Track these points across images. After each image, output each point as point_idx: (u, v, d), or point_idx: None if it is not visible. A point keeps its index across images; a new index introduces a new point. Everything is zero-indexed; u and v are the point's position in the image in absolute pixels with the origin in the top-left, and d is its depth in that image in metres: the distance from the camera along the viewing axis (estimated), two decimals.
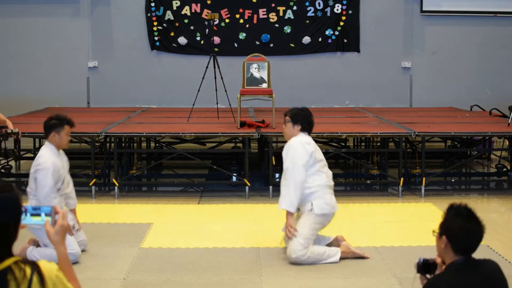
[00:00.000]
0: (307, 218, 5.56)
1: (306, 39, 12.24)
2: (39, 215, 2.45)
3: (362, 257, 5.68)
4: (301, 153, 5.54)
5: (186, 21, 12.16)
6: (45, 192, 5.37)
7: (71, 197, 5.74)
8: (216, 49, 10.53)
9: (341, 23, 12.28)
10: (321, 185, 5.60)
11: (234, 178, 8.63)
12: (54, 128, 5.53)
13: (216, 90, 9.34)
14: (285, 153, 5.64)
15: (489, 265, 2.98)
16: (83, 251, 5.68)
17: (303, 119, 5.73)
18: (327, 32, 12.29)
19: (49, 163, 5.40)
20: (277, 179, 8.56)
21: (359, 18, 12.28)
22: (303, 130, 5.72)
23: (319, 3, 12.21)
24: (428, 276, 3.08)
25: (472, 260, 2.95)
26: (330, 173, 5.76)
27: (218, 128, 8.66)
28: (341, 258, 5.60)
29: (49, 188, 5.37)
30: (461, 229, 2.92)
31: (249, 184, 8.12)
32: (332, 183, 5.75)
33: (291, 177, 5.53)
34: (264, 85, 8.54)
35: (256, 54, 8.94)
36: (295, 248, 5.48)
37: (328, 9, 12.24)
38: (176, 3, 12.13)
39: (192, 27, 12.17)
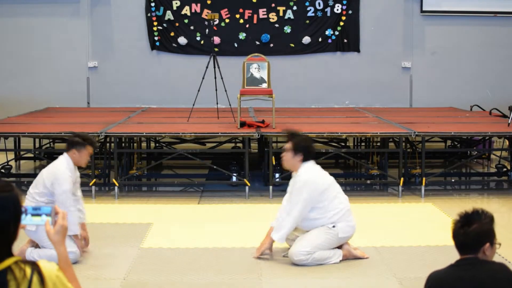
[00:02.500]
0: (327, 232, 5.51)
1: (306, 39, 12.24)
2: (39, 215, 2.45)
3: (362, 258, 5.68)
4: (313, 193, 5.45)
5: (186, 21, 12.16)
6: (64, 197, 5.42)
7: (81, 211, 5.77)
8: (216, 49, 10.53)
9: (341, 23, 12.28)
10: (345, 209, 5.58)
11: (234, 178, 8.62)
12: (76, 146, 5.58)
13: (216, 90, 9.34)
14: (298, 188, 5.49)
15: (496, 265, 3.10)
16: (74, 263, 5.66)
17: (305, 149, 5.56)
18: (327, 32, 12.28)
19: (65, 174, 5.47)
20: (277, 179, 8.56)
21: (359, 18, 12.28)
22: (304, 160, 5.56)
23: (319, 3, 12.20)
24: None
25: (477, 259, 3.06)
26: (345, 196, 5.74)
27: (218, 128, 8.66)
28: (341, 260, 5.60)
29: (68, 191, 5.43)
30: (453, 231, 3.19)
31: (249, 184, 8.12)
32: (348, 202, 5.72)
33: (296, 215, 5.47)
34: (264, 85, 8.54)
35: (256, 54, 8.94)
36: (298, 253, 5.46)
37: (328, 9, 12.24)
38: (176, 3, 12.13)
39: (192, 27, 12.17)
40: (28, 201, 5.51)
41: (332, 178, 5.67)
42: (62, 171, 5.49)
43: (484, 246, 3.09)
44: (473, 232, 3.08)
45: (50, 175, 5.51)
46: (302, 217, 5.52)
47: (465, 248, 3.08)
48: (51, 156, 8.83)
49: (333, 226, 5.52)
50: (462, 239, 3.07)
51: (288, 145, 5.60)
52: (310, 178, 5.50)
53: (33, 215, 2.43)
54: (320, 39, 12.29)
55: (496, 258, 3.24)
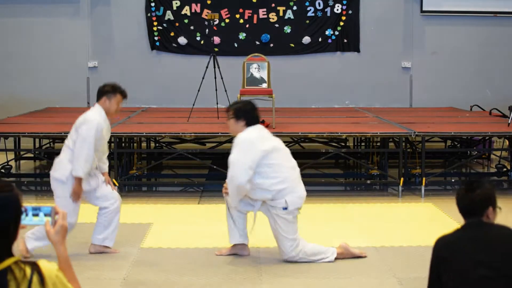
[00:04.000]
0: (284, 218, 5.45)
1: (306, 39, 12.24)
2: (39, 215, 2.45)
3: (360, 257, 5.67)
4: (249, 154, 5.29)
5: (186, 21, 12.16)
6: (85, 145, 5.48)
7: (104, 162, 5.89)
8: (216, 49, 10.53)
9: (341, 23, 12.28)
10: (290, 178, 5.46)
11: None
12: (107, 94, 5.73)
13: (216, 90, 9.34)
14: (233, 147, 5.39)
15: (501, 226, 3.38)
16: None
17: (246, 114, 5.46)
18: (327, 32, 12.29)
19: (95, 120, 5.57)
20: None
21: (359, 18, 12.28)
22: (248, 125, 5.45)
23: (319, 3, 12.21)
24: None
25: (482, 221, 3.30)
26: (293, 160, 5.62)
27: (218, 128, 8.66)
28: (339, 259, 5.59)
29: (90, 142, 5.49)
30: (458, 196, 3.40)
31: None
32: (297, 169, 5.61)
33: (231, 178, 5.35)
34: (264, 85, 8.54)
35: (256, 54, 8.95)
36: (286, 251, 5.47)
37: (328, 9, 12.24)
38: (176, 3, 12.13)
39: (192, 27, 12.17)
40: (63, 153, 5.62)
41: (278, 144, 5.52)
42: (94, 116, 5.61)
43: (488, 210, 3.33)
44: (477, 196, 3.30)
45: (81, 119, 5.65)
46: (239, 183, 5.29)
47: (470, 212, 3.29)
48: (51, 156, 8.82)
49: (284, 208, 5.43)
50: (467, 204, 3.29)
51: (229, 113, 5.54)
52: (247, 139, 5.37)
53: (33, 215, 2.44)
54: (320, 39, 12.29)
55: None
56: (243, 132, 5.42)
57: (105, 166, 5.94)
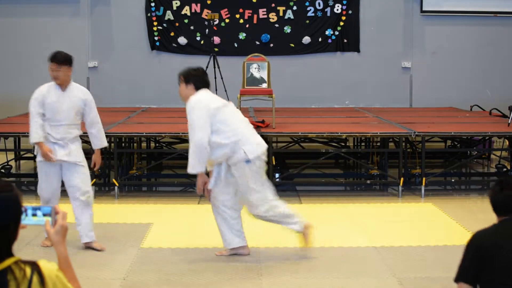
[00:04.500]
0: (248, 170, 5.47)
1: (306, 39, 12.24)
2: (39, 215, 2.44)
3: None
4: (201, 113, 5.41)
5: (186, 21, 12.16)
6: (29, 115, 5.93)
7: (96, 137, 6.12)
8: (216, 49, 10.53)
9: (341, 23, 12.28)
10: (241, 129, 5.52)
11: None
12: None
13: (216, 90, 9.34)
14: (188, 113, 5.49)
15: None
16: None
17: (195, 78, 5.63)
18: (327, 32, 12.29)
19: (36, 91, 5.99)
20: (277, 179, 8.57)
21: (359, 18, 12.28)
22: (197, 88, 5.60)
23: (319, 3, 12.21)
24: None
25: None
26: (245, 118, 5.69)
27: None
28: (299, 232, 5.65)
29: (31, 111, 5.89)
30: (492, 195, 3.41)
31: None
32: (250, 125, 5.68)
33: (192, 140, 5.44)
34: (264, 85, 8.54)
35: (256, 54, 8.95)
36: (254, 203, 5.52)
37: (328, 9, 12.24)
38: (176, 3, 12.13)
39: (192, 27, 12.17)
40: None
41: (227, 103, 5.63)
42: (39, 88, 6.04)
43: None
44: None
45: None
46: (199, 141, 5.37)
47: (506, 210, 3.32)
48: None
49: (247, 161, 5.45)
50: (502, 201, 3.33)
51: (180, 78, 5.68)
52: (196, 99, 5.51)
53: (33, 215, 2.44)
54: (320, 39, 12.29)
55: None
56: (193, 96, 5.55)
57: (98, 142, 6.14)
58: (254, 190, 5.51)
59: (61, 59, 5.87)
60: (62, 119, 5.87)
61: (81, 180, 5.89)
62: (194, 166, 5.46)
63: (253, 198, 5.53)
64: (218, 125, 5.46)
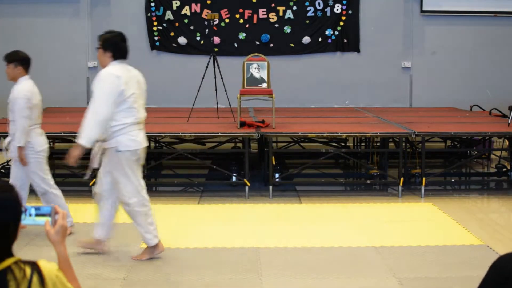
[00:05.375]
0: (117, 162, 5.41)
1: (306, 39, 12.24)
2: (39, 215, 2.45)
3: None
4: (109, 88, 5.29)
5: (186, 21, 12.16)
6: None
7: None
8: (216, 49, 10.53)
9: (341, 23, 12.28)
10: (128, 123, 5.40)
11: (234, 178, 8.62)
12: None
13: (216, 90, 9.34)
14: (95, 84, 5.37)
15: None
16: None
17: (113, 45, 5.46)
18: (327, 32, 12.29)
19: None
20: (277, 179, 8.57)
21: (359, 18, 12.28)
22: (115, 57, 5.45)
23: (319, 3, 12.21)
24: None
25: None
26: (142, 107, 5.55)
27: (218, 128, 8.66)
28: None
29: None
30: None
31: (249, 184, 8.12)
32: (143, 118, 5.55)
33: (94, 112, 5.28)
34: (264, 85, 8.54)
35: (256, 54, 8.94)
36: (124, 193, 5.48)
37: (328, 9, 12.24)
38: (176, 3, 12.13)
39: (192, 27, 12.17)
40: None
41: (134, 85, 5.47)
42: None
43: None
44: None
45: None
46: (103, 116, 5.26)
47: None
48: (51, 156, 8.81)
49: (117, 151, 5.39)
50: None
51: (99, 42, 5.54)
52: (108, 73, 5.36)
53: (33, 215, 2.43)
54: (320, 39, 12.29)
55: (495, 257, 3.24)
56: (107, 67, 5.43)
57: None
58: (129, 181, 5.44)
59: (5, 57, 6.30)
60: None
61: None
62: (88, 139, 5.29)
63: (125, 188, 5.46)
64: (122, 106, 5.35)
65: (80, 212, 7.18)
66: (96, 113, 5.29)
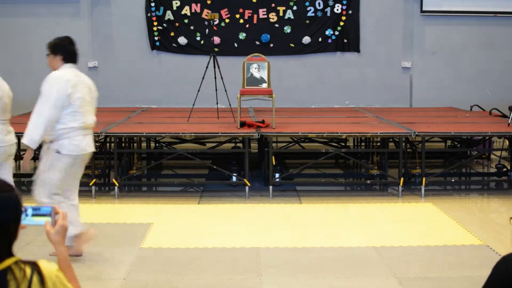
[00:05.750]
0: (54, 161, 5.42)
1: (306, 39, 12.24)
2: (39, 215, 2.45)
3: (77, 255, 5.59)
4: (57, 90, 5.36)
5: (186, 21, 12.16)
6: None
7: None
8: (216, 49, 10.53)
9: (341, 23, 12.28)
10: (73, 127, 5.43)
11: (234, 178, 8.63)
12: None
13: (216, 90, 9.34)
14: (43, 85, 5.48)
15: None
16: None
17: (63, 48, 5.56)
18: (327, 32, 12.29)
19: None
20: (277, 179, 8.57)
21: (359, 18, 12.28)
22: (66, 60, 5.54)
23: (319, 3, 12.21)
24: None
25: None
26: (89, 113, 5.57)
27: (218, 128, 8.66)
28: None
29: None
30: None
31: (249, 184, 8.12)
32: (90, 123, 5.57)
33: (40, 112, 5.36)
34: (264, 85, 8.54)
35: (256, 54, 8.94)
36: (40, 193, 5.46)
37: (328, 9, 12.24)
38: (176, 3, 12.13)
39: (192, 27, 12.17)
40: None
41: (83, 89, 5.51)
42: None
43: None
44: None
45: None
46: (48, 117, 5.33)
47: None
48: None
49: (57, 152, 5.41)
50: None
51: (48, 48, 5.62)
52: (57, 75, 5.46)
53: (33, 215, 2.44)
54: (320, 39, 12.29)
55: (496, 258, 3.24)
56: (57, 70, 5.52)
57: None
58: (50, 180, 5.43)
59: None
60: None
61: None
62: (31, 139, 5.35)
63: (44, 186, 5.46)
64: (67, 110, 5.40)
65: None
66: (39, 115, 5.38)
